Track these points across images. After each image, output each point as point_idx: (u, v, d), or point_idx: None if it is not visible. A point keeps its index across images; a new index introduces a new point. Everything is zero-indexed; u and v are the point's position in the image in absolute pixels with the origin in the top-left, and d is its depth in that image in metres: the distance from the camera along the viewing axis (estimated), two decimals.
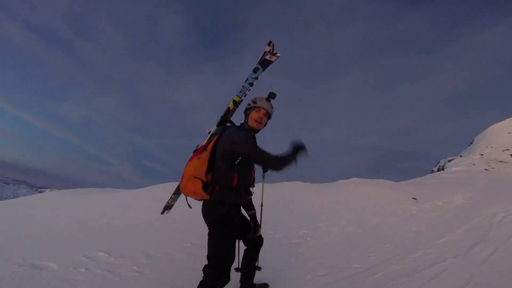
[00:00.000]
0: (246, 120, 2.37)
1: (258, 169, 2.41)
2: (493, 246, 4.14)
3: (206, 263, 2.07)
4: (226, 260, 2.06)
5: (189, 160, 2.15)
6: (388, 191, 9.46)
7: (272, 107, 2.40)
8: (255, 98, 2.38)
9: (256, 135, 2.35)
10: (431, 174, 22.44)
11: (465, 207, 7.91)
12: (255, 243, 2.63)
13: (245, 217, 2.57)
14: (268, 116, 2.38)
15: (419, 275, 3.15)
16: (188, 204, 2.29)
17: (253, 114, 2.32)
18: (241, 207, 2.37)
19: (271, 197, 7.22)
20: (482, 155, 29.36)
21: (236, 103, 2.55)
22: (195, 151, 2.24)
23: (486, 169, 20.57)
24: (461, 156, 32.13)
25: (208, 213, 2.12)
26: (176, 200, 3.04)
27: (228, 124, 2.49)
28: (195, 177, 2.03)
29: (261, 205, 3.09)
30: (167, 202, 3.04)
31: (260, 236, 2.64)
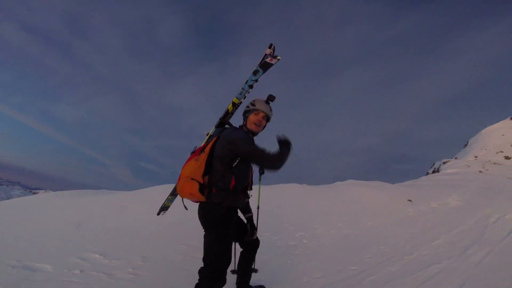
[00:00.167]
0: (244, 122, 2.37)
1: (255, 172, 2.41)
2: (488, 248, 4.17)
3: (202, 265, 2.06)
4: (222, 262, 2.05)
5: (187, 162, 2.14)
6: (384, 193, 9.51)
7: (271, 110, 2.40)
8: (253, 101, 2.38)
9: (255, 138, 2.35)
10: (426, 176, 22.60)
11: (460, 208, 7.97)
12: (251, 246, 2.62)
13: (241, 219, 2.56)
14: (267, 119, 2.39)
15: (414, 277, 3.17)
16: (184, 206, 2.28)
17: (252, 117, 2.32)
18: (238, 210, 2.36)
19: (267, 199, 7.21)
20: (476, 157, 29.64)
21: (235, 105, 2.54)
22: (192, 152, 2.23)
23: (480, 171, 20.75)
24: (455, 158, 32.40)
25: (204, 215, 2.12)
26: (172, 202, 3.03)
27: (226, 126, 2.49)
28: (192, 179, 2.02)
29: (258, 207, 3.09)
30: (163, 203, 3.03)
31: (257, 238, 2.63)
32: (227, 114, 2.55)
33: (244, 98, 2.56)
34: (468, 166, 23.10)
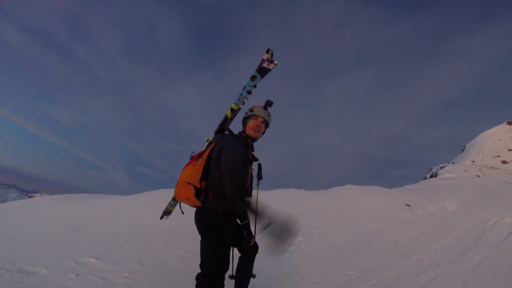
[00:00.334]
0: (244, 129, 2.37)
1: (254, 178, 2.40)
2: (486, 251, 4.17)
3: (199, 271, 2.04)
4: (219, 268, 2.02)
5: (185, 167, 2.15)
6: (382, 198, 9.51)
7: (269, 115, 2.40)
8: (252, 107, 2.38)
9: (255, 144, 2.35)
10: (424, 180, 22.66)
11: (457, 213, 7.99)
12: (249, 251, 2.60)
13: (240, 225, 2.54)
14: (266, 124, 2.39)
15: (413, 281, 3.16)
16: (181, 210, 2.27)
17: (251, 123, 2.32)
18: (236, 216, 2.34)
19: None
20: (473, 161, 29.79)
21: (233, 111, 2.53)
22: (191, 157, 2.23)
23: (477, 175, 20.83)
24: (453, 163, 32.55)
25: (200, 221, 2.10)
26: (175, 206, 3.01)
27: (226, 132, 2.48)
28: (188, 183, 2.02)
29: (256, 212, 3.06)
30: (166, 208, 3.01)
31: (255, 243, 2.61)
32: (226, 120, 2.54)
33: (242, 104, 2.55)
34: (466, 171, 23.20)
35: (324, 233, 5.73)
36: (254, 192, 2.54)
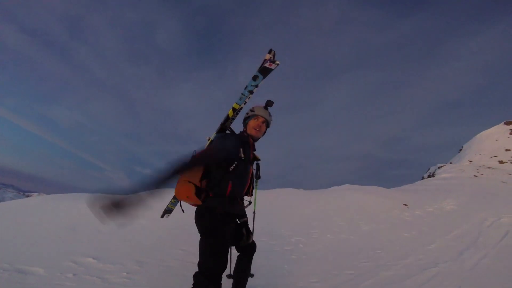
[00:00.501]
0: (245, 129, 2.39)
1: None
2: (483, 251, 4.20)
3: (197, 270, 2.04)
4: (217, 268, 2.02)
5: None
6: (380, 197, 9.54)
7: (270, 115, 2.43)
8: (252, 107, 2.42)
9: (256, 144, 2.37)
10: (422, 180, 22.74)
11: (455, 213, 8.03)
12: (248, 250, 2.60)
13: (238, 223, 2.55)
14: (267, 124, 2.41)
15: (410, 281, 3.17)
16: (182, 209, 2.28)
17: (252, 122, 2.35)
18: (236, 216, 2.34)
19: (264, 204, 7.19)
20: (471, 161, 29.94)
21: (235, 111, 2.54)
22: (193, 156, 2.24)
23: (475, 175, 20.94)
24: (450, 163, 32.69)
25: (200, 220, 2.10)
26: (175, 205, 3.00)
27: (227, 131, 2.49)
28: (189, 182, 2.03)
29: (254, 212, 3.07)
30: (167, 206, 3.00)
31: (253, 243, 2.61)
32: (228, 120, 2.55)
33: (244, 104, 2.56)
34: (463, 171, 23.31)
35: (322, 233, 5.74)
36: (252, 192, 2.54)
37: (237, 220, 2.51)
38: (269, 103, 2.43)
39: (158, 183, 1.67)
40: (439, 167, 28.39)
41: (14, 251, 3.74)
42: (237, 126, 2.51)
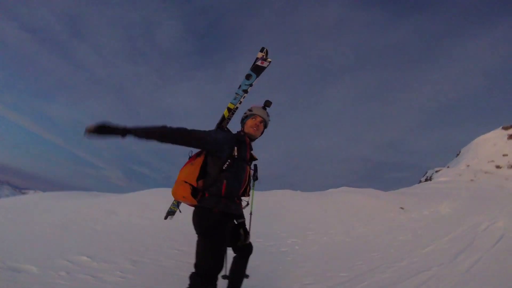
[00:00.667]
0: (242, 128, 2.39)
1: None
2: (477, 255, 4.21)
3: (193, 270, 2.03)
4: (213, 269, 2.02)
5: (184, 166, 2.16)
6: (377, 200, 9.58)
7: (268, 115, 2.42)
8: (251, 107, 2.42)
9: (253, 143, 2.37)
10: (419, 184, 22.84)
11: (450, 216, 8.05)
12: (244, 251, 2.59)
13: (235, 224, 2.54)
14: (265, 124, 2.41)
15: (405, 284, 3.17)
16: (179, 209, 2.28)
17: (250, 122, 2.35)
18: (233, 217, 2.33)
19: (261, 205, 7.19)
20: (468, 166, 30.08)
21: (230, 111, 2.54)
22: (190, 157, 2.24)
23: (472, 180, 21.06)
24: (448, 167, 32.83)
25: (197, 220, 2.09)
26: (178, 206, 2.98)
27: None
28: (185, 182, 2.04)
29: (250, 213, 3.06)
30: (170, 208, 2.98)
31: (250, 244, 2.61)
32: (224, 120, 2.55)
33: (239, 103, 2.55)
34: (460, 175, 23.43)
35: (318, 234, 5.75)
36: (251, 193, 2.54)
37: (234, 221, 2.51)
38: (267, 103, 2.43)
39: (149, 132, 1.79)
40: (436, 171, 28.52)
41: (7, 249, 3.71)
42: (234, 127, 2.51)
